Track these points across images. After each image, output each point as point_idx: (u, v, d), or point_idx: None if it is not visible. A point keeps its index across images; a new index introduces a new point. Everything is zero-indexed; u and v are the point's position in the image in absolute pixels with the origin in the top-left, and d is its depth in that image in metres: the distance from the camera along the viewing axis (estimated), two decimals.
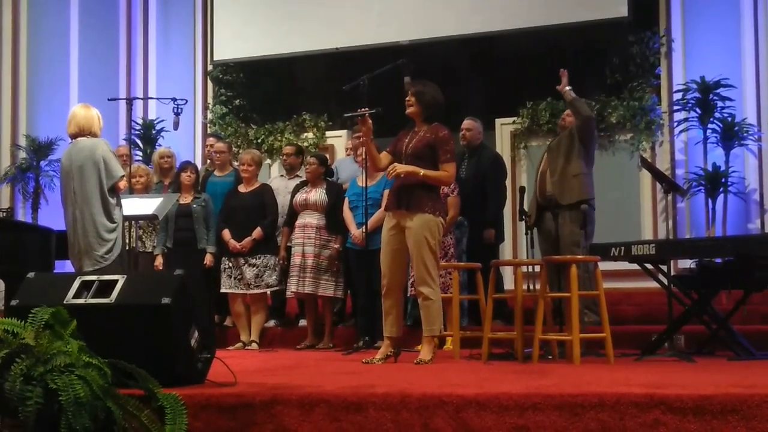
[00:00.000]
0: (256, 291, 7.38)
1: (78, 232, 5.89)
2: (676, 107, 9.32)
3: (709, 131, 9.04)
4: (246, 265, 7.38)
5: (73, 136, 6.07)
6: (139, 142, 10.84)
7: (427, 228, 5.32)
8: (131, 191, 7.39)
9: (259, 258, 7.39)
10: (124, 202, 6.31)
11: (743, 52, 9.22)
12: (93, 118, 6.06)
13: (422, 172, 5.34)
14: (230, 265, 7.45)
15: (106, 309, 3.84)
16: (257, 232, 7.37)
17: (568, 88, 6.24)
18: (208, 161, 8.70)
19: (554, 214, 6.25)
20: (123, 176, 6.08)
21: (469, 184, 7.37)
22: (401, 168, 5.35)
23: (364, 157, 6.47)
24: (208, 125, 11.24)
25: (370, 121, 5.44)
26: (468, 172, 7.49)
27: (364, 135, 5.58)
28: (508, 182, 8.01)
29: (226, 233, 7.44)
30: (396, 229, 5.43)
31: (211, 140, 8.78)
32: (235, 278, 7.42)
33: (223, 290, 7.46)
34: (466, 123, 7.62)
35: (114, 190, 5.98)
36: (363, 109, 5.47)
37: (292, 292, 7.26)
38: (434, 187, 5.49)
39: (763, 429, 2.97)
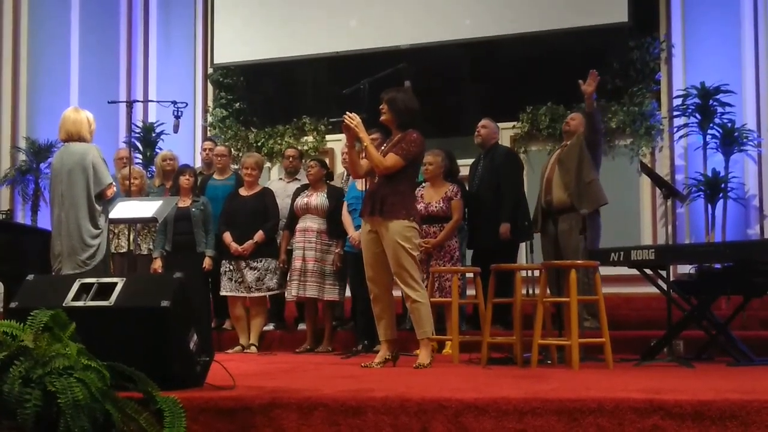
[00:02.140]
0: (256, 294, 7.38)
1: (62, 235, 5.96)
2: (675, 113, 9.32)
3: (708, 137, 9.04)
4: (247, 269, 7.38)
5: (64, 141, 6.12)
6: (139, 145, 10.83)
7: (400, 234, 5.35)
8: (128, 194, 7.40)
9: (260, 261, 7.39)
10: (124, 205, 6.33)
11: (743, 58, 9.22)
12: (83, 122, 6.09)
13: (367, 142, 5.36)
14: (231, 268, 7.45)
15: (105, 312, 3.84)
16: (259, 235, 7.37)
17: (594, 96, 6.26)
18: (203, 164, 8.67)
19: (556, 219, 6.28)
20: (111, 184, 6.09)
21: (485, 184, 7.32)
22: (355, 122, 5.35)
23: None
24: (208, 128, 11.24)
25: (353, 126, 5.37)
26: (483, 171, 7.43)
27: (347, 140, 5.57)
28: None
29: (227, 236, 7.44)
30: (374, 233, 5.46)
31: (207, 144, 8.77)
32: (235, 281, 7.42)
33: (223, 293, 7.46)
34: (482, 122, 7.59)
35: (101, 197, 6.01)
36: (345, 115, 5.42)
37: (293, 296, 7.26)
38: (405, 190, 5.50)
39: None
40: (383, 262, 5.47)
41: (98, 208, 5.99)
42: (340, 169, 8.70)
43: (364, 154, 5.53)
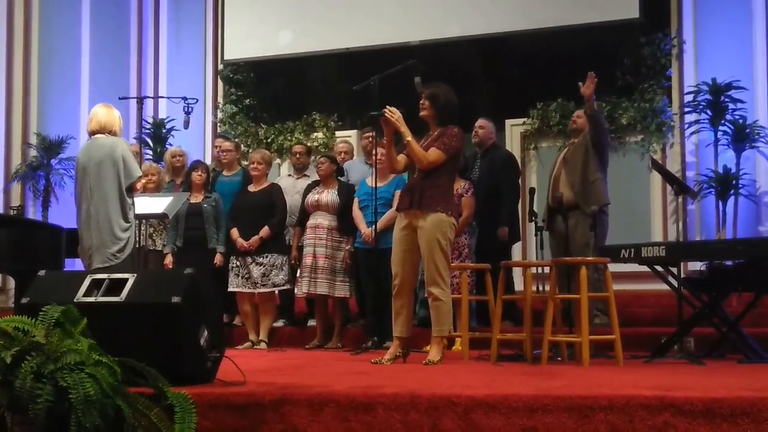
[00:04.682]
0: (262, 290, 7.38)
1: (91, 228, 5.90)
2: (687, 109, 9.30)
3: (720, 133, 9.02)
4: (253, 264, 7.39)
5: (93, 133, 6.09)
6: (149, 141, 10.87)
7: (439, 229, 5.32)
8: (143, 189, 7.41)
9: (266, 257, 7.39)
10: (135, 200, 6.33)
11: (755, 54, 9.19)
12: (114, 118, 6.10)
13: (409, 137, 5.35)
14: (238, 264, 7.46)
15: (117, 307, 3.85)
16: (265, 230, 7.37)
17: (594, 98, 6.24)
18: (215, 161, 8.69)
19: (565, 216, 6.27)
20: (141, 177, 6.08)
21: (483, 184, 7.37)
22: (396, 117, 5.33)
23: (377, 157, 6.53)
24: (219, 124, 11.27)
25: (394, 120, 5.35)
26: (481, 172, 7.50)
27: (386, 135, 5.53)
28: None
29: (234, 232, 7.45)
30: (408, 229, 5.42)
31: (219, 141, 8.79)
32: (242, 277, 7.43)
33: (230, 289, 7.47)
34: (479, 121, 7.66)
35: (131, 190, 6.00)
36: (386, 109, 5.37)
37: (304, 292, 7.26)
38: (445, 184, 5.47)
39: None
40: (411, 261, 5.46)
41: (128, 201, 5.98)
42: None
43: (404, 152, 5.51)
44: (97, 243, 5.87)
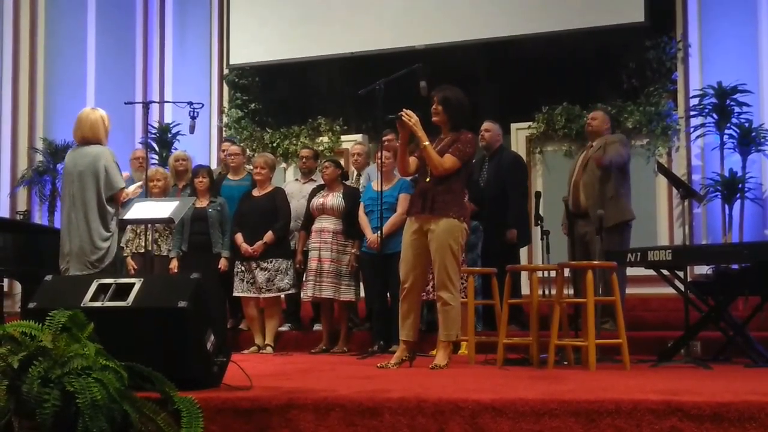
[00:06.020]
0: (267, 295, 7.38)
1: (71, 235, 5.99)
2: (692, 112, 9.29)
3: (725, 137, 9.00)
4: (258, 269, 7.39)
5: (78, 141, 6.17)
6: (155, 145, 10.88)
7: (451, 234, 5.30)
8: (148, 194, 7.42)
9: (271, 262, 7.39)
10: (141, 205, 6.34)
11: (760, 57, 9.18)
12: (98, 125, 6.13)
13: (425, 142, 5.30)
14: (243, 268, 7.46)
15: (123, 312, 3.86)
16: (269, 235, 7.37)
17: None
18: (222, 165, 8.71)
19: (585, 221, 6.29)
20: (123, 188, 6.13)
21: (490, 187, 7.37)
22: (413, 120, 5.27)
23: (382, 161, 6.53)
24: (224, 129, 11.27)
25: (411, 124, 5.30)
26: (489, 174, 7.48)
27: (401, 137, 5.49)
28: None
29: (239, 237, 7.45)
30: (418, 234, 5.41)
31: (226, 145, 8.81)
32: (247, 282, 7.43)
33: (235, 294, 7.47)
34: (485, 124, 7.64)
35: (113, 200, 6.04)
36: (403, 112, 5.32)
37: (309, 296, 7.26)
38: (457, 189, 5.45)
39: None
40: (422, 264, 5.44)
41: (110, 210, 6.01)
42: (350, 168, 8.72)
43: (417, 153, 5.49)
44: (76, 250, 5.95)
